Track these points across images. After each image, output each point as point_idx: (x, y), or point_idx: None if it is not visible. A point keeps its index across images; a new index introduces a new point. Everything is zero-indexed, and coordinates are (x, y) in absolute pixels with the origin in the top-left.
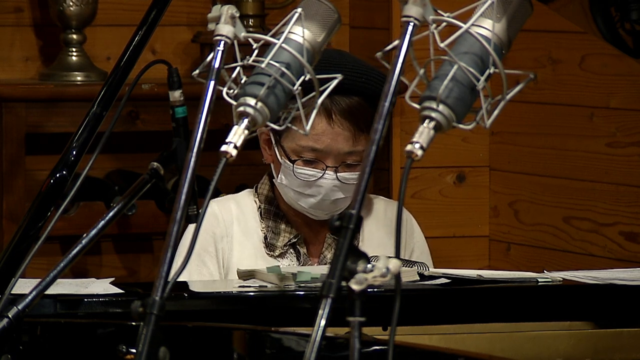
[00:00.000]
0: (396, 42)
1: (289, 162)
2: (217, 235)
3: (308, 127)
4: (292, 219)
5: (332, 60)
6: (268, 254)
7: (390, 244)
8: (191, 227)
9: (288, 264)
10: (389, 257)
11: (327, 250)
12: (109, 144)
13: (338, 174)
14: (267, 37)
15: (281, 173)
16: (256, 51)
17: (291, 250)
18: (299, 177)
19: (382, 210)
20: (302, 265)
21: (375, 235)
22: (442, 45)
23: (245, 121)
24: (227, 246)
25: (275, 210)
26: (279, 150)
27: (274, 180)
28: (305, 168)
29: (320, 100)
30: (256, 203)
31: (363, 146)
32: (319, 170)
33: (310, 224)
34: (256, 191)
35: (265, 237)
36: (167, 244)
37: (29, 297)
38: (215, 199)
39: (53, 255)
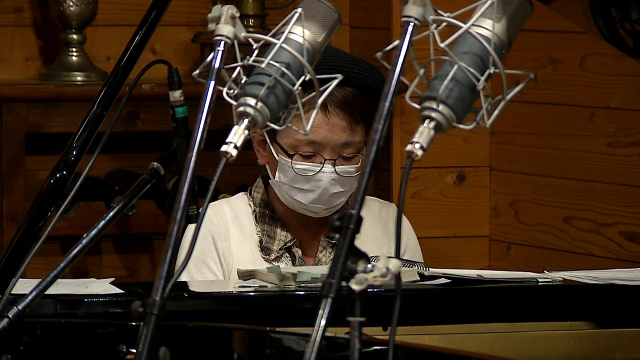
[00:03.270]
0: (396, 42)
1: (286, 158)
2: (217, 239)
3: (308, 127)
4: (288, 222)
5: (322, 55)
6: (264, 257)
7: (385, 243)
8: (190, 229)
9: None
10: (389, 257)
11: (322, 253)
12: (109, 144)
13: (336, 167)
14: (267, 37)
15: (278, 171)
16: (256, 51)
17: (286, 253)
18: (298, 172)
19: (377, 211)
20: None
21: (370, 234)
22: (442, 45)
23: (246, 121)
24: (227, 249)
25: (270, 214)
26: (275, 148)
27: (269, 181)
28: (303, 163)
29: (320, 100)
30: (250, 207)
31: (359, 137)
32: (317, 164)
33: (306, 226)
34: (250, 194)
35: (261, 241)
36: (167, 244)
37: (29, 297)
38: (210, 203)
39: (53, 255)
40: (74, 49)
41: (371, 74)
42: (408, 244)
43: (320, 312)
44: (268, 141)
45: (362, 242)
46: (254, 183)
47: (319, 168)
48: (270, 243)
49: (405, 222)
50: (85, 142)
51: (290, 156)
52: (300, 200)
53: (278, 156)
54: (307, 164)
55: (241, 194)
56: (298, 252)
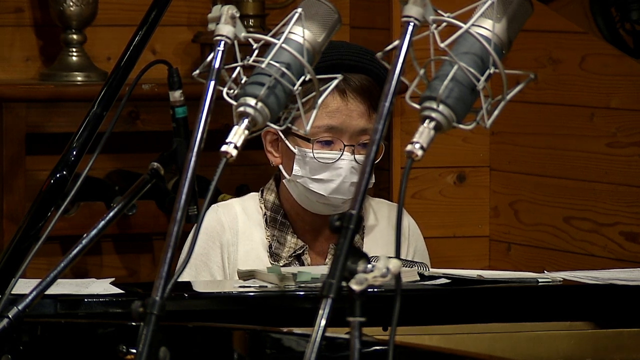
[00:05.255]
0: (396, 42)
1: (306, 148)
2: (224, 245)
3: (308, 127)
4: (298, 227)
5: (332, 43)
6: (272, 263)
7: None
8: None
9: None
10: (389, 257)
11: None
12: (109, 144)
13: (355, 156)
14: (268, 37)
15: (296, 164)
16: (256, 51)
17: (296, 261)
18: (318, 159)
19: (387, 215)
20: None
21: (382, 239)
22: (442, 45)
23: (246, 121)
24: (233, 254)
25: (281, 220)
26: (292, 139)
27: (284, 180)
28: (323, 150)
29: (320, 100)
30: (261, 209)
31: None
32: (337, 152)
33: (317, 229)
34: (262, 196)
35: (270, 246)
36: (167, 244)
37: (29, 297)
38: (220, 203)
39: (53, 255)
40: (74, 49)
41: (376, 62)
42: (417, 249)
43: (320, 312)
44: (282, 137)
45: (375, 246)
46: (255, 182)
47: (339, 155)
48: (280, 249)
49: (414, 226)
50: (85, 142)
51: (310, 141)
52: (320, 192)
53: (296, 147)
54: (327, 152)
55: (253, 194)
56: (307, 259)
